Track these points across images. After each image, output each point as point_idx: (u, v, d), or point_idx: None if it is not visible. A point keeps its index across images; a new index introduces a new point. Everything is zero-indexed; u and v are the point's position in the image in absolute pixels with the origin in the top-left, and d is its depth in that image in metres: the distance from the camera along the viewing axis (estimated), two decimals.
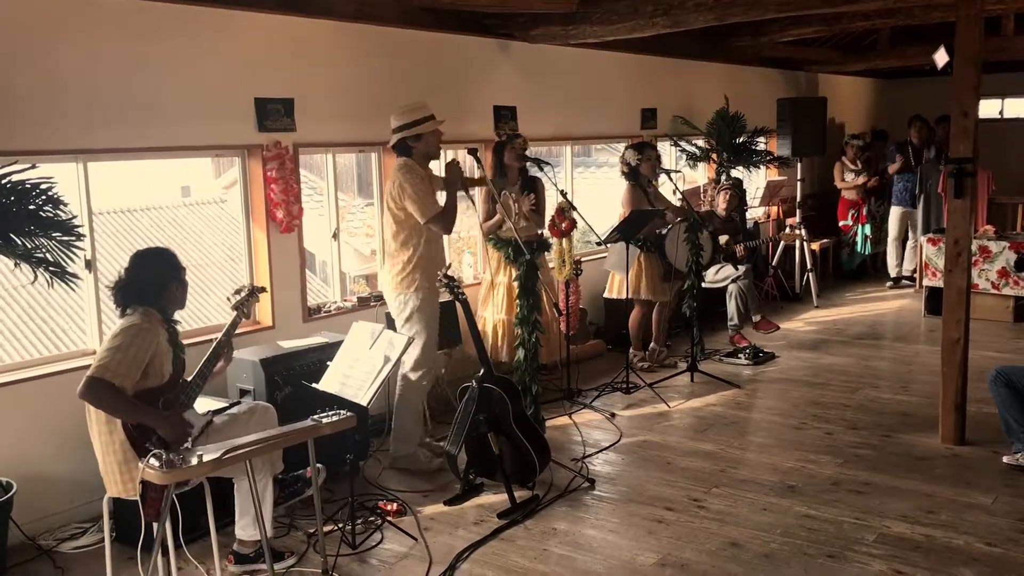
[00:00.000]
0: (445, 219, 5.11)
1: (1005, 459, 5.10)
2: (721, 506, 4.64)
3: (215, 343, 3.94)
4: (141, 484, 3.37)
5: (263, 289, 4.44)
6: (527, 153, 6.35)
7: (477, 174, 5.66)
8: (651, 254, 7.12)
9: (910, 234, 10.33)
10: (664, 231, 7.16)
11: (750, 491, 4.82)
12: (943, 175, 8.95)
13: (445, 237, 5.57)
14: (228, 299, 4.20)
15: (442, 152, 5.41)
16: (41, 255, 3.86)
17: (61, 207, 3.91)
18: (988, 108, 12.46)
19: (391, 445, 5.32)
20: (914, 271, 10.05)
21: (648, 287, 7.12)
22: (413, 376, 5.20)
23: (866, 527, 4.35)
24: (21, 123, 4.30)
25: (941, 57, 7.68)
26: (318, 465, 3.86)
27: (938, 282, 8.44)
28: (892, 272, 10.54)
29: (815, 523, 4.41)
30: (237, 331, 4.17)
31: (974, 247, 6.27)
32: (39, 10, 4.39)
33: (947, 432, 5.44)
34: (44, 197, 3.84)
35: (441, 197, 5.22)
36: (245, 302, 4.15)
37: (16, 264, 3.84)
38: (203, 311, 10.01)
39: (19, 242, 3.80)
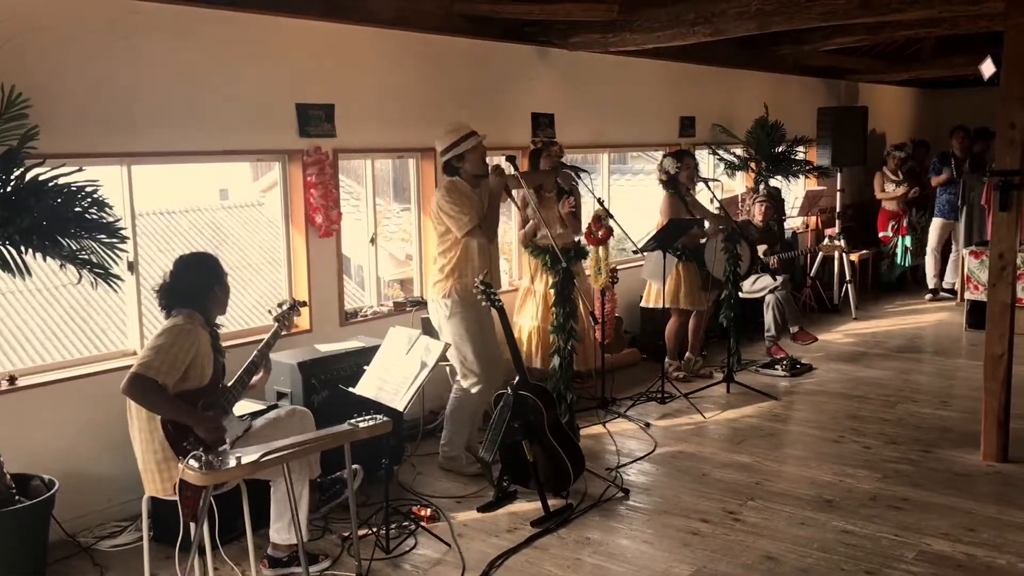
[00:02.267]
0: (485, 228, 5.13)
1: None
2: (757, 519, 4.59)
3: (255, 353, 3.99)
4: (179, 483, 3.40)
5: (304, 303, 4.52)
6: (564, 160, 6.33)
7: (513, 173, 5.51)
8: (689, 263, 7.07)
9: (952, 246, 10.18)
10: (703, 241, 7.12)
11: (787, 504, 4.77)
12: (987, 187, 8.81)
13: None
14: (270, 312, 4.27)
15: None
16: (86, 256, 3.91)
17: (106, 209, 3.96)
18: None
19: (440, 445, 5.37)
20: (955, 284, 9.89)
21: (687, 296, 7.07)
22: (464, 384, 5.22)
23: (905, 544, 4.28)
24: (68, 127, 4.37)
25: (988, 67, 7.57)
26: (355, 466, 3.87)
27: (980, 295, 8.32)
28: (930, 283, 10.38)
29: (853, 538, 4.35)
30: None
31: (1019, 260, 6.16)
32: (86, 17, 4.46)
33: (989, 449, 5.35)
34: (90, 200, 3.89)
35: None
36: (287, 315, 4.21)
37: (62, 265, 3.90)
38: (240, 313, 10.11)
39: (65, 243, 3.86)
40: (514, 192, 5.77)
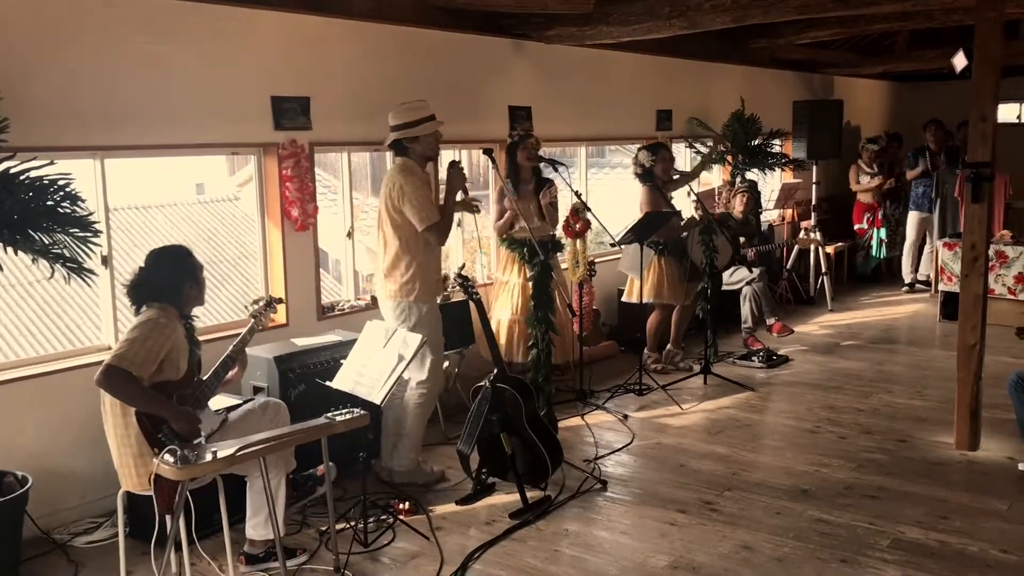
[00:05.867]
0: (441, 229, 4.82)
1: (1021, 466, 5.07)
2: (734, 509, 4.63)
3: (231, 348, 3.97)
4: (153, 477, 3.39)
5: (280, 300, 4.48)
6: (541, 153, 6.34)
7: (460, 197, 5.09)
8: (671, 257, 7.09)
9: (927, 238, 10.29)
10: (685, 234, 7.14)
11: (763, 494, 4.80)
12: (960, 179, 8.90)
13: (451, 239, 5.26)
14: (246, 308, 4.25)
15: (444, 152, 5.24)
16: (58, 251, 3.88)
17: (78, 203, 3.92)
18: (1006, 112, 12.38)
19: (391, 460, 5.03)
20: (930, 276, 10.00)
21: (670, 291, 7.09)
22: (415, 394, 4.95)
23: (880, 532, 4.33)
24: (40, 120, 4.33)
25: (960, 61, 7.63)
26: (329, 463, 3.86)
27: (953, 287, 8.40)
28: (907, 278, 10.49)
29: (828, 527, 4.39)
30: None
31: (991, 252, 6.24)
32: (59, 8, 4.42)
33: (962, 438, 5.41)
34: (62, 193, 3.86)
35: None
36: (262, 312, 4.18)
37: (34, 260, 3.86)
38: (216, 308, 10.06)
39: (37, 238, 3.82)
40: (493, 182, 5.77)
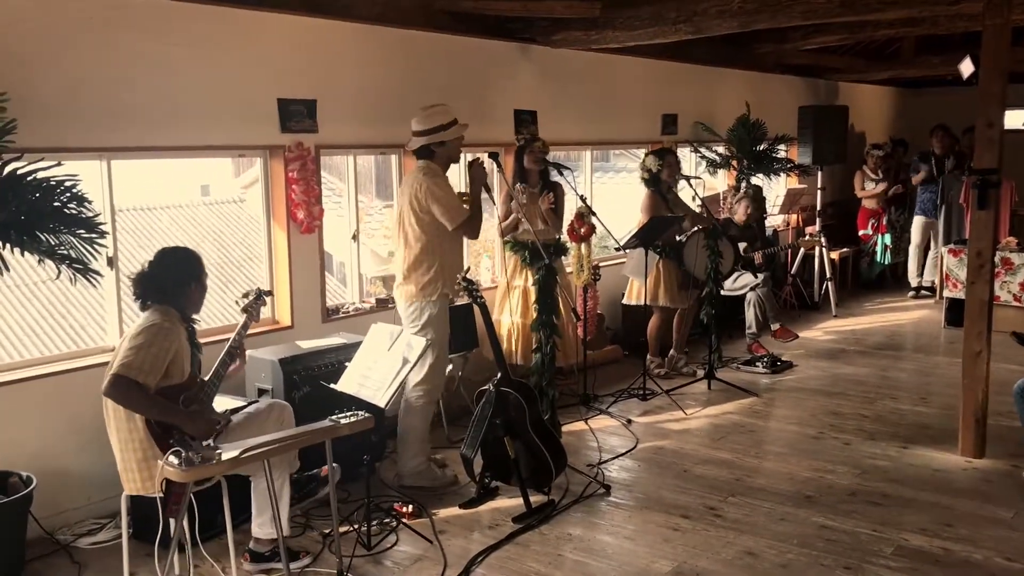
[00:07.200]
0: (474, 224, 4.96)
1: None
2: (737, 515, 4.62)
3: (228, 344, 3.98)
4: (164, 483, 3.39)
5: (269, 293, 4.50)
6: (547, 157, 6.34)
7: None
8: (670, 261, 7.09)
9: (931, 244, 10.28)
10: (683, 238, 7.13)
11: (767, 500, 4.79)
12: (966, 185, 8.89)
13: (465, 242, 5.38)
14: (237, 302, 4.25)
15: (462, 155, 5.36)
16: (65, 252, 3.88)
17: (85, 204, 3.93)
18: (1013, 119, 12.32)
19: (399, 462, 5.11)
20: (934, 282, 9.99)
21: (667, 295, 7.08)
22: (413, 395, 4.98)
23: (884, 539, 4.32)
24: (47, 121, 4.33)
25: (967, 67, 7.61)
26: (333, 464, 3.87)
27: (958, 293, 8.39)
28: (912, 281, 10.48)
29: (832, 534, 4.38)
30: (253, 331, 4.22)
31: (996, 259, 6.24)
32: (66, 9, 4.43)
33: (967, 445, 5.40)
34: (69, 194, 3.86)
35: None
36: (253, 305, 4.18)
37: (40, 260, 3.87)
38: (222, 310, 10.06)
39: (44, 239, 3.83)
40: (497, 186, 5.74)
